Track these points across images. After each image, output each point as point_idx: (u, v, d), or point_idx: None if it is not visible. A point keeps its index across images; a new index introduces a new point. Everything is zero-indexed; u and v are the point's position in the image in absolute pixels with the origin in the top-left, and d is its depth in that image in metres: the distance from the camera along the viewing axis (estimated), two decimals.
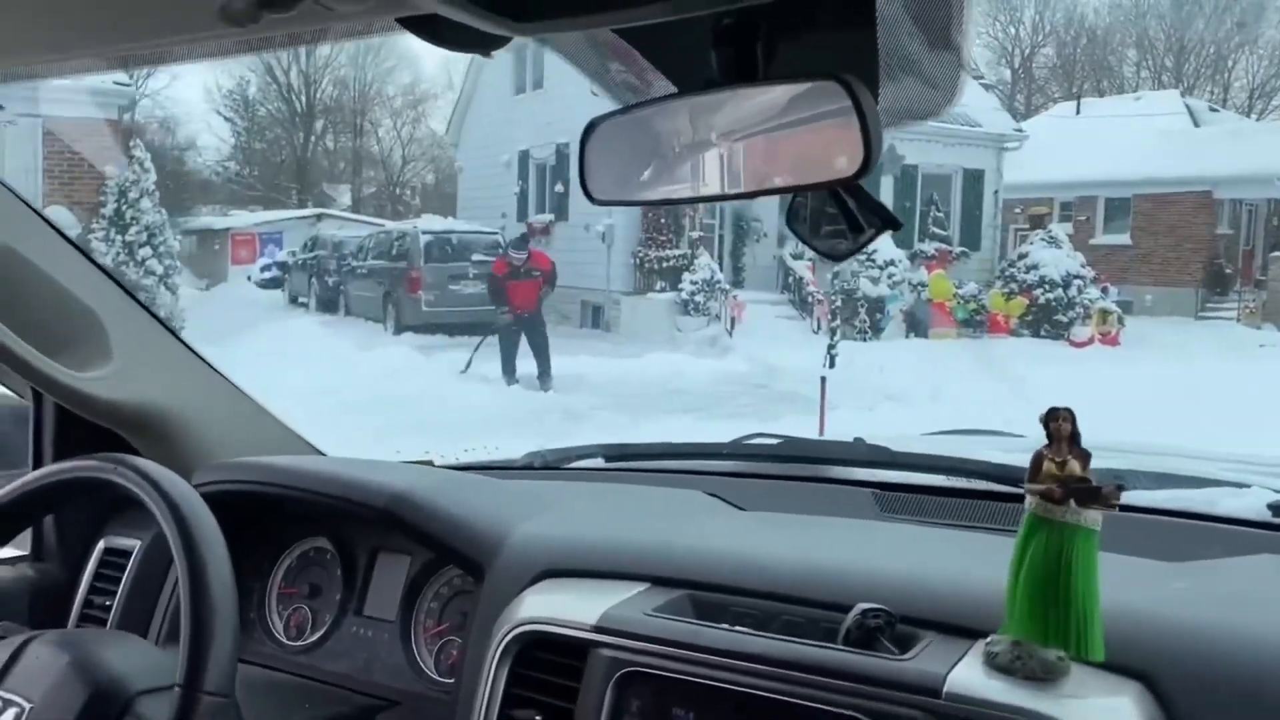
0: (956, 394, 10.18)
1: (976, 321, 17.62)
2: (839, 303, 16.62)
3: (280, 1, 0.82)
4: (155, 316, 1.48)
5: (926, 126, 19.76)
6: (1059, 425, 0.90)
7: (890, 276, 17.08)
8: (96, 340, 1.38)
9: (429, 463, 1.74)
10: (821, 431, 7.17)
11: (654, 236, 17.03)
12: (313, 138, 32.58)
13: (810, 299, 17.03)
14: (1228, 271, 21.84)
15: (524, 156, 19.67)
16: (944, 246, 19.61)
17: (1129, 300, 20.43)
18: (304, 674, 1.38)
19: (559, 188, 18.55)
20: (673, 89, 0.98)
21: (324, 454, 1.66)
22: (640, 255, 16.89)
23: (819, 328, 16.20)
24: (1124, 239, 23.04)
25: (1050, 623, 0.88)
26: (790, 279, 17.74)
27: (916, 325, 17.31)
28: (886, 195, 18.88)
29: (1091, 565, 0.88)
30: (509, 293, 11.87)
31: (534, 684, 1.08)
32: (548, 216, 18.91)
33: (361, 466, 1.41)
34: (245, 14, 0.83)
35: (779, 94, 0.82)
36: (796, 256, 17.40)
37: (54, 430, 1.46)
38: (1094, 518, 0.88)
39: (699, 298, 16.16)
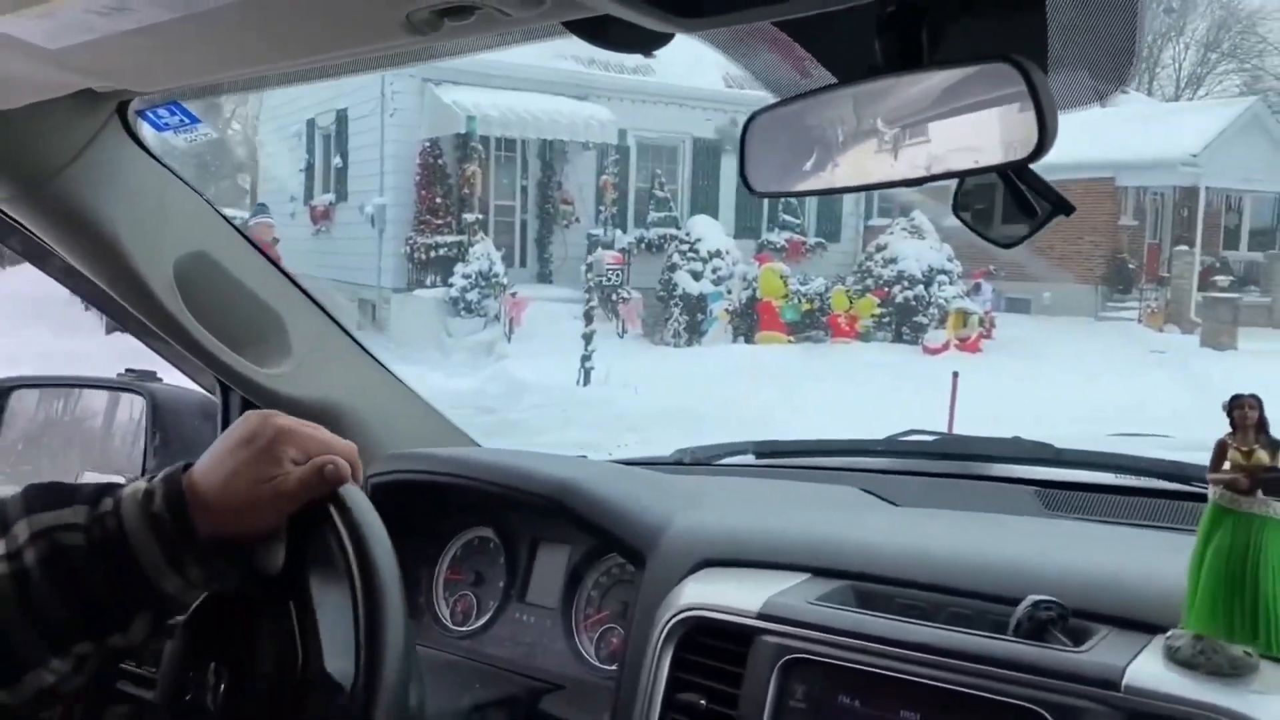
0: (725, 415, 8.40)
1: (815, 323, 15.09)
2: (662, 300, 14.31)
3: (460, 9, 0.86)
4: (331, 317, 1.56)
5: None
6: (1244, 413, 0.86)
7: (715, 271, 14.52)
8: (279, 339, 1.47)
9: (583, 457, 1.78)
10: None
11: (428, 220, 14.12)
12: None
13: (616, 297, 14.26)
14: (1131, 267, 19.17)
15: (310, 125, 16.81)
16: (796, 237, 17.05)
17: (1027, 299, 18.11)
18: (470, 658, 1.43)
19: (337, 161, 15.94)
20: (832, 79, 0.99)
21: (480, 446, 1.73)
22: (412, 242, 14.05)
23: (624, 331, 14.00)
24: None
25: (1236, 617, 0.85)
26: (596, 273, 14.63)
27: (747, 328, 14.84)
28: (728, 177, 16.69)
29: None
30: None
31: (698, 669, 1.10)
32: (329, 196, 16.35)
33: (526, 457, 1.46)
34: (428, 23, 0.87)
35: (946, 78, 0.82)
36: (605, 245, 14.67)
37: None
38: None
39: (472, 295, 13.36)
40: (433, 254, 13.87)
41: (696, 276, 14.46)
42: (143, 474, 1.56)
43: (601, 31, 0.97)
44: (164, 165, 1.31)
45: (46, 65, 0.99)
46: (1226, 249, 20.42)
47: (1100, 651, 0.90)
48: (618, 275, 14.41)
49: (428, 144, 14.45)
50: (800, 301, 15.04)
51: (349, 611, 0.99)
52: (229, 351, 1.40)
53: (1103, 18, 0.92)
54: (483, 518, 1.53)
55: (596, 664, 1.37)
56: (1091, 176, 17.41)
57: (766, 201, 16.78)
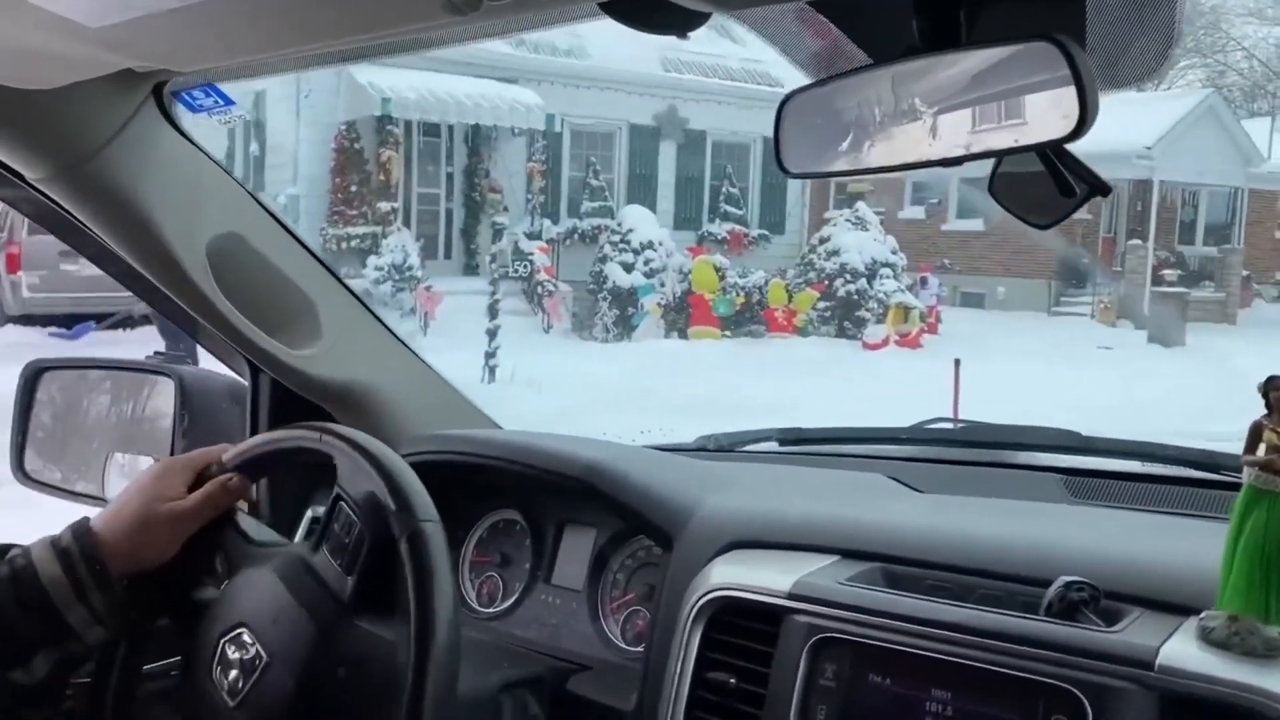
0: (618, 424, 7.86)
1: (753, 318, 14.62)
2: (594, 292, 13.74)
3: None
4: (360, 300, 1.58)
5: (716, 85, 16.58)
6: (1279, 395, 0.86)
7: (647, 263, 13.90)
8: (309, 321, 1.48)
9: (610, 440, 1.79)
10: None
11: (342, 210, 13.57)
12: None
13: (541, 290, 13.78)
14: (1085, 261, 18.68)
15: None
16: (739, 228, 16.59)
17: (981, 294, 17.88)
18: (497, 639, 1.44)
19: (255, 149, 14.85)
20: (867, 60, 0.99)
21: (503, 428, 1.73)
22: (324, 234, 13.35)
23: (550, 326, 13.54)
24: (978, 225, 19.42)
25: (1272, 598, 0.85)
26: (523, 265, 14.09)
27: (681, 322, 14.31)
28: (667, 166, 16.35)
29: None
30: None
31: (727, 649, 1.10)
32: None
33: (554, 439, 1.47)
34: (468, 3, 0.88)
35: (985, 58, 0.82)
36: (531, 236, 14.29)
37: (269, 404, 1.57)
38: None
39: (385, 288, 12.81)
40: (345, 246, 13.29)
41: (628, 269, 13.91)
42: (170, 455, 1.58)
43: (638, 13, 0.97)
44: (198, 148, 1.32)
45: (87, 44, 1.00)
46: (1182, 243, 20.27)
47: (1133, 632, 0.90)
48: (525, 266, 13.67)
49: (344, 128, 13.71)
50: (735, 295, 14.58)
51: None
52: (260, 333, 1.42)
53: (1142, 2, 0.92)
54: (509, 500, 1.54)
55: (623, 645, 1.37)
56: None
57: (707, 191, 16.76)
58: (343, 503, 1.04)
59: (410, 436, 1.51)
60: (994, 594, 1.02)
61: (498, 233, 13.98)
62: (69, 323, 11.39)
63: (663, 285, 14.18)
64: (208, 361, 1.73)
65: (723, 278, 14.60)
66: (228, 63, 1.10)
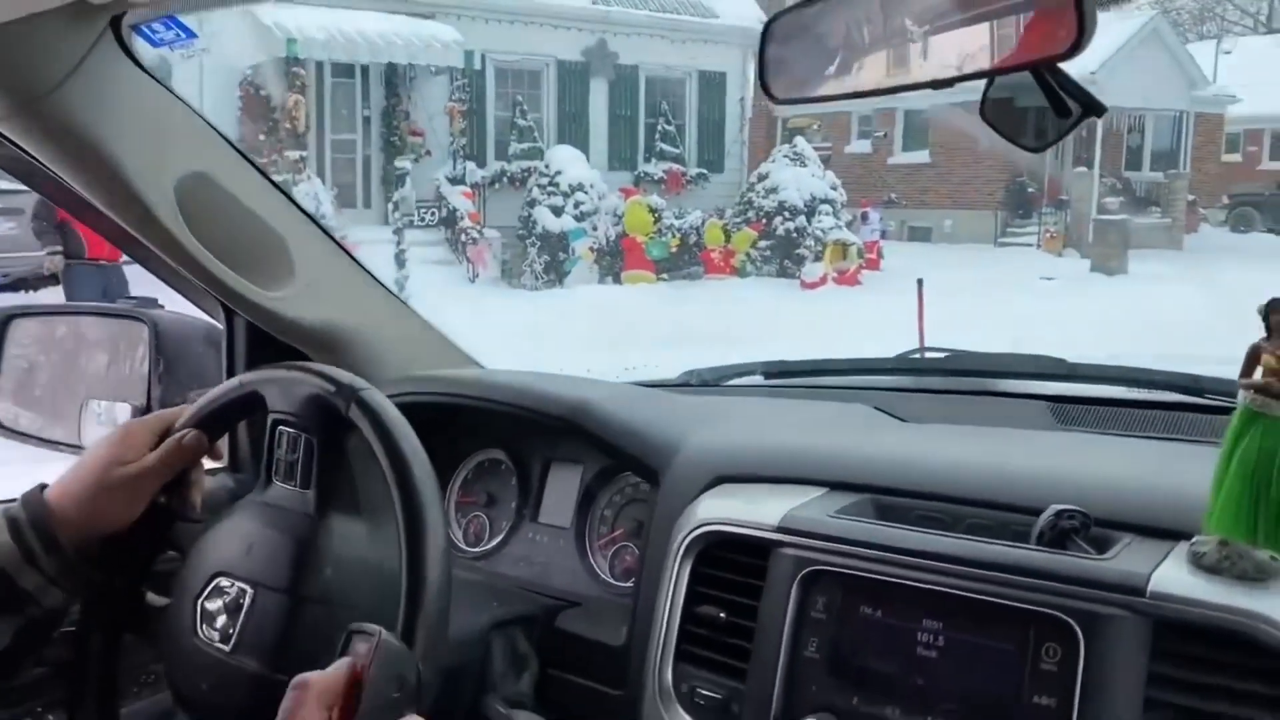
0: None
1: (691, 260, 14.26)
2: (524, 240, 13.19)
3: None
4: (332, 239, 1.54)
5: (647, 18, 15.89)
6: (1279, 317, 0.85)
7: (578, 206, 13.46)
8: (281, 261, 1.45)
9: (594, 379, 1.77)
10: None
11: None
12: None
13: (465, 237, 13.33)
14: (1030, 191, 18.72)
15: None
16: (676, 168, 16.10)
17: (928, 227, 17.81)
18: (485, 579, 1.44)
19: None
20: None
21: (484, 367, 1.71)
22: None
23: (475, 275, 13.13)
24: (924, 157, 19.40)
25: (1261, 522, 0.85)
26: (430, 212, 13.65)
27: (615, 267, 13.88)
28: (599, 104, 15.72)
29: None
30: (78, 228, 7.62)
31: (716, 583, 1.10)
32: None
33: (537, 378, 1.45)
34: None
35: None
36: (454, 181, 13.71)
37: (245, 348, 1.54)
38: None
39: None
40: None
41: (557, 212, 13.56)
42: (147, 401, 1.55)
43: None
44: (162, 84, 1.27)
45: None
46: (1129, 170, 20.19)
47: (1124, 559, 0.90)
48: (433, 213, 13.08)
49: (249, 73, 13.12)
50: (670, 237, 14.20)
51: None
52: (232, 274, 1.38)
53: None
54: (493, 439, 1.52)
55: (611, 581, 1.37)
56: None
57: (643, 130, 16.12)
58: (280, 426, 1.06)
59: (391, 378, 1.48)
60: (984, 523, 1.01)
61: (400, 178, 13.43)
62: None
63: (595, 229, 13.78)
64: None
65: (658, 219, 14.24)
66: None
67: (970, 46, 0.79)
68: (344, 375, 1.02)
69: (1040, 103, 0.82)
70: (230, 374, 1.58)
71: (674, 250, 14.22)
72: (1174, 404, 1.39)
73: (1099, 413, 1.41)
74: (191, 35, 1.20)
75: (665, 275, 14.09)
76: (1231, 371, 0.87)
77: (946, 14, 0.80)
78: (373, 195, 14.40)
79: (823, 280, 14.12)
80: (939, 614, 0.94)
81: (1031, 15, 0.75)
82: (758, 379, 1.78)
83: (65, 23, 1.13)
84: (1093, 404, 1.44)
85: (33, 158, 1.25)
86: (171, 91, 1.29)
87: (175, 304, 1.67)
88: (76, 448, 1.61)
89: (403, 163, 13.65)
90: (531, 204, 13.68)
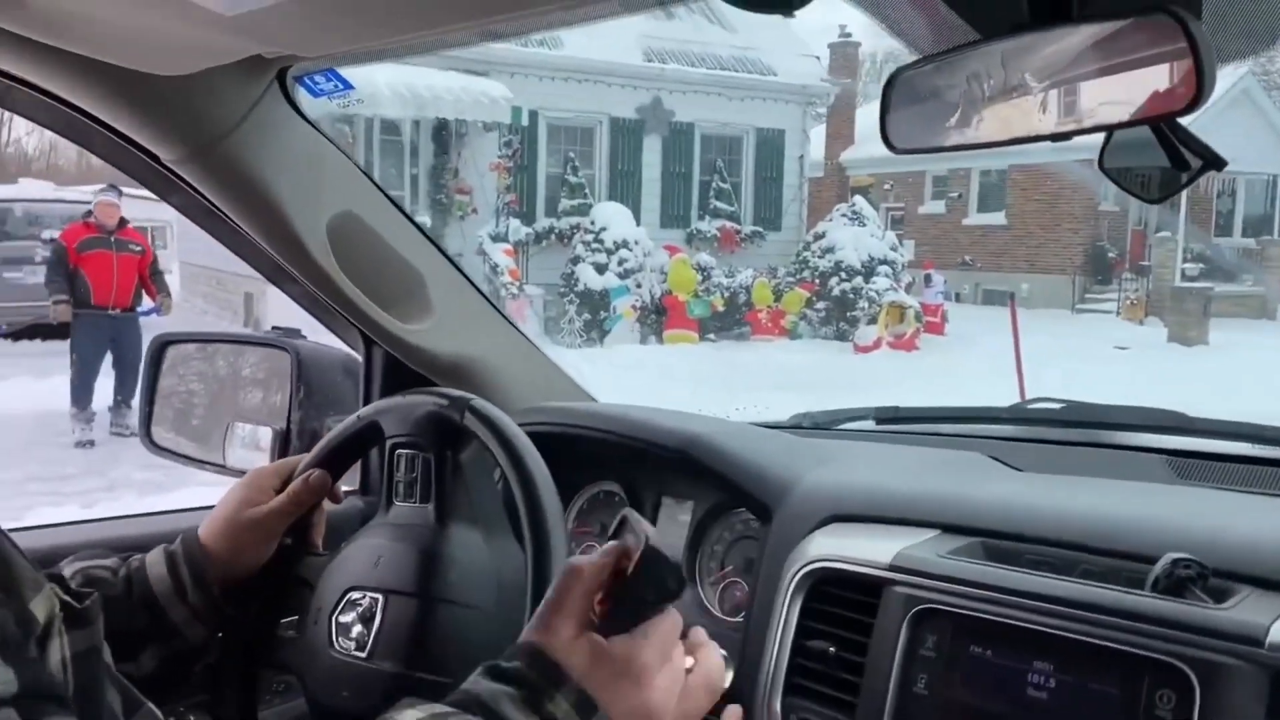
0: None
1: (737, 319, 13.73)
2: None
3: None
4: (466, 277, 1.63)
5: (703, 75, 15.44)
6: None
7: (621, 263, 13.14)
8: (421, 297, 1.54)
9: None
10: None
11: None
12: None
13: (505, 293, 12.92)
14: (1110, 256, 17.85)
15: None
16: (730, 225, 15.64)
17: (1004, 291, 16.23)
18: None
19: None
20: (975, 35, 0.99)
21: (598, 401, 1.77)
22: None
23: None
24: (999, 218, 18.71)
25: None
26: (488, 268, 13.31)
27: (658, 326, 13.42)
28: (652, 161, 15.31)
29: None
30: (88, 273, 7.66)
31: (826, 619, 1.12)
32: None
33: (653, 412, 1.50)
34: None
35: (1098, 31, 0.82)
36: (496, 239, 13.51)
37: (382, 377, 1.63)
38: None
39: None
40: None
41: (600, 269, 13.24)
42: (287, 425, 1.65)
43: None
44: (318, 130, 1.38)
45: (220, 31, 1.06)
46: (1219, 235, 19.28)
47: (1243, 609, 0.90)
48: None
49: None
50: (719, 295, 13.77)
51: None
52: (375, 307, 1.48)
53: None
54: (608, 472, 1.58)
55: (721, 615, 1.40)
56: (1067, 158, 16.07)
57: (696, 187, 15.80)
58: (398, 450, 1.13)
59: (513, 409, 1.55)
60: (1097, 569, 1.02)
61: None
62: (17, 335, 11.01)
63: (639, 286, 13.46)
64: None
65: (707, 278, 13.95)
66: (350, 48, 1.14)
67: (1089, 101, 0.82)
68: (453, 390, 1.10)
69: (1159, 157, 0.85)
70: (366, 402, 1.68)
71: (719, 309, 13.90)
72: None
73: (1219, 468, 1.39)
74: (349, 86, 1.30)
75: (712, 335, 13.80)
76: None
77: (1066, 69, 0.82)
78: None
79: (876, 344, 13.59)
80: (1050, 656, 0.95)
81: (1149, 71, 0.78)
82: (870, 424, 1.80)
83: (238, 75, 1.24)
84: (1213, 459, 1.42)
85: (203, 197, 1.37)
86: (327, 137, 1.40)
87: (317, 334, 1.78)
88: (221, 468, 1.73)
89: (423, 219, 13.68)
90: (575, 261, 13.56)
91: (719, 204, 16.10)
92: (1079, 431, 1.66)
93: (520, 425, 1.46)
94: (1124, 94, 0.81)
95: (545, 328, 13.55)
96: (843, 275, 14.11)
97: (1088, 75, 0.83)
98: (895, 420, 1.78)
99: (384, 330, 1.50)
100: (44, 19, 1.03)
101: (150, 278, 8.22)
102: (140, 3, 1.00)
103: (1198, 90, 0.75)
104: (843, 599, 1.11)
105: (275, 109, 1.30)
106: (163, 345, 1.91)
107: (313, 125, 1.37)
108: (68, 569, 1.09)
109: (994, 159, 17.24)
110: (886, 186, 18.89)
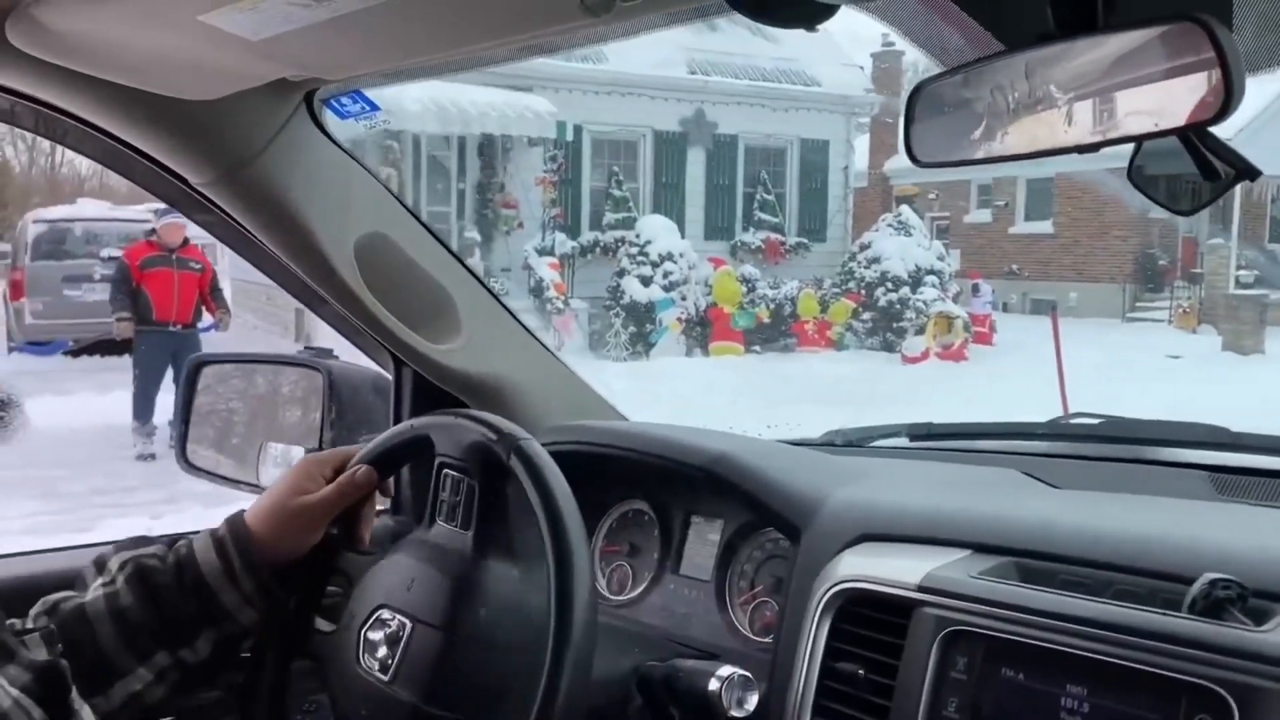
0: None
1: (774, 332, 13.59)
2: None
3: None
4: (493, 294, 1.63)
5: (746, 87, 15.43)
6: None
7: (666, 276, 13.20)
8: (449, 316, 1.55)
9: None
10: None
11: None
12: None
13: (551, 307, 13.05)
14: (1161, 263, 17.46)
15: None
16: (774, 237, 15.66)
17: (1052, 300, 16.18)
18: (628, 626, 1.47)
19: None
20: (999, 47, 0.98)
21: (628, 420, 1.77)
22: None
23: (561, 344, 12.30)
24: (1047, 227, 18.33)
25: None
26: (533, 281, 13.47)
27: (703, 338, 13.47)
28: (696, 173, 15.39)
29: None
30: (149, 291, 7.91)
31: (855, 640, 1.11)
32: None
33: (681, 431, 1.49)
34: (602, 4, 0.91)
35: (1124, 41, 0.80)
36: (542, 252, 13.65)
37: (411, 396, 1.64)
38: None
39: None
40: None
41: (645, 282, 13.41)
42: (319, 445, 1.66)
43: (766, 5, 0.99)
44: (346, 152, 1.39)
45: (248, 56, 1.07)
46: (1273, 241, 18.84)
47: None
48: (498, 284, 12.54)
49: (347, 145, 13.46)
50: (764, 307, 13.79)
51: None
52: (404, 327, 1.48)
53: None
54: (637, 490, 1.57)
55: (750, 636, 1.39)
56: (1116, 164, 15.27)
57: (740, 199, 15.89)
58: (446, 469, 1.13)
59: (543, 427, 1.55)
60: (1132, 590, 0.99)
61: (469, 248, 13.46)
62: (85, 351, 11.37)
63: (684, 299, 13.57)
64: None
65: (752, 289, 13.98)
66: (375, 70, 1.16)
67: (1116, 112, 0.80)
68: (506, 425, 1.09)
69: (1189, 167, 0.83)
70: (397, 421, 1.68)
71: (764, 321, 13.90)
72: None
73: (1264, 484, 1.36)
74: (375, 108, 1.31)
75: (757, 347, 13.79)
76: None
77: (1091, 80, 0.81)
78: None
79: (924, 355, 13.49)
80: (1084, 679, 0.92)
81: (1177, 80, 0.76)
82: (903, 440, 1.78)
83: (266, 98, 1.25)
84: (1257, 475, 1.38)
85: (232, 219, 1.39)
86: (354, 158, 1.41)
87: (349, 354, 1.79)
88: (255, 487, 1.74)
89: (471, 234, 13.79)
90: (620, 274, 13.63)
91: (763, 215, 16.17)
92: (1118, 447, 1.63)
93: (548, 444, 1.46)
94: (1151, 104, 0.79)
95: (590, 342, 13.65)
96: (889, 285, 14.08)
97: (1114, 85, 0.81)
98: (929, 437, 1.76)
99: (412, 350, 1.50)
100: (76, 48, 1.05)
101: (210, 294, 8.36)
102: (169, 29, 1.01)
103: (1226, 99, 0.73)
104: (872, 620, 1.09)
105: (302, 131, 1.31)
106: (198, 366, 1.93)
107: (340, 147, 1.38)
108: (114, 560, 1.11)
109: (1038, 168, 16.98)
110: (931, 196, 18.75)
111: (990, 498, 1.32)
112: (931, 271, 14.26)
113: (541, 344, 1.72)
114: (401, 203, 1.50)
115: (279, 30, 0.99)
